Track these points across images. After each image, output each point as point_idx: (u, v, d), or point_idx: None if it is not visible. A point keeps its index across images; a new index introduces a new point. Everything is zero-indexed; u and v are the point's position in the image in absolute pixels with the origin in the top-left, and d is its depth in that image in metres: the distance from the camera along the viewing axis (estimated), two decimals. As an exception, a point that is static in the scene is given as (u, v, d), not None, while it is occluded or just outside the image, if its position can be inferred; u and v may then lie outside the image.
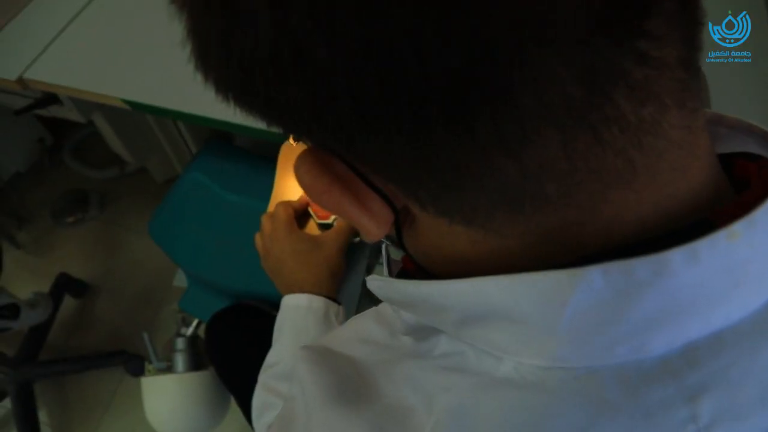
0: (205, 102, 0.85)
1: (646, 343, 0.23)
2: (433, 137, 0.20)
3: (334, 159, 0.24)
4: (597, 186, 0.21)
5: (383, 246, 0.38)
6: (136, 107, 0.89)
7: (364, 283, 1.08)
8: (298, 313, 0.62)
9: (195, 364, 1.02)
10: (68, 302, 1.52)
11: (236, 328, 0.92)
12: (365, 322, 0.50)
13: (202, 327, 1.10)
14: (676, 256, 0.21)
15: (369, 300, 1.12)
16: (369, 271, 1.11)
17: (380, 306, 0.52)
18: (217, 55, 0.22)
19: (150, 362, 1.03)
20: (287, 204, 0.70)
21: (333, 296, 0.65)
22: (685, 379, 0.23)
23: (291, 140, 0.38)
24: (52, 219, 1.69)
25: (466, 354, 0.29)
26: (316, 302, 0.62)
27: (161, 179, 1.66)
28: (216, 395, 1.04)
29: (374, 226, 0.25)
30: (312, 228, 0.73)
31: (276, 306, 1.03)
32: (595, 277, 0.22)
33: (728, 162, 0.27)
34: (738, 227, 0.21)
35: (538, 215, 0.23)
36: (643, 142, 0.21)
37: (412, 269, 0.39)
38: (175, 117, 0.88)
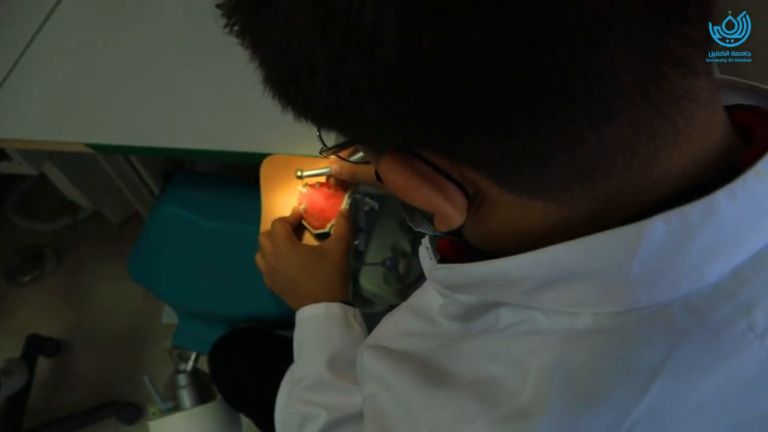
0: (167, 131, 0.84)
1: (703, 274, 0.27)
2: (539, 128, 0.22)
3: (415, 160, 0.26)
4: (650, 150, 0.25)
5: (428, 243, 0.40)
6: (101, 150, 0.87)
7: (353, 284, 1.10)
8: (317, 323, 0.64)
9: (202, 397, 1.01)
10: (43, 363, 1.45)
11: (239, 353, 0.92)
12: (401, 317, 0.52)
13: (201, 359, 1.09)
14: (719, 196, 0.25)
15: (360, 301, 1.14)
16: (354, 274, 1.12)
17: (412, 301, 0.54)
18: (323, 80, 0.24)
19: (154, 405, 1.01)
20: (283, 220, 0.71)
21: (347, 300, 0.66)
22: (738, 298, 0.27)
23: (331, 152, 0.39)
24: (6, 281, 1.61)
25: (535, 319, 0.32)
26: (334, 309, 0.64)
27: (117, 220, 1.61)
28: (228, 423, 1.03)
29: (457, 214, 0.27)
30: (309, 239, 0.74)
31: (274, 324, 1.04)
32: (658, 225, 0.25)
33: (727, 113, 0.31)
34: (762, 165, 0.26)
35: (605, 183, 0.26)
36: (684, 108, 0.24)
37: (452, 256, 0.41)
38: (145, 153, 0.86)
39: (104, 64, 0.95)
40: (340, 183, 0.74)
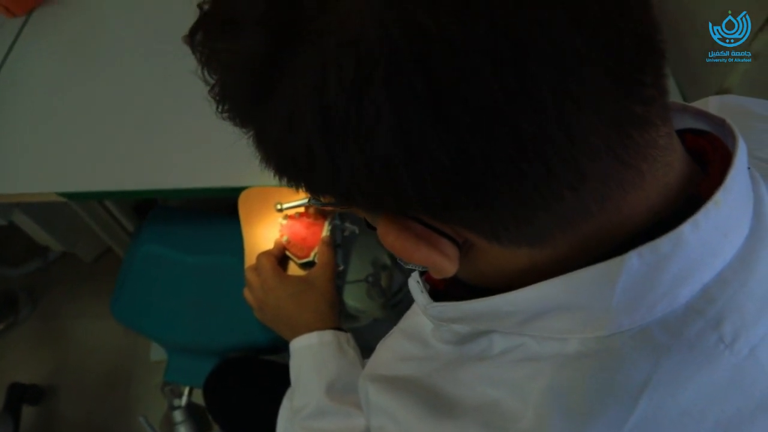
0: (141, 173, 0.85)
1: (676, 296, 0.30)
2: (523, 197, 0.25)
3: (409, 221, 0.29)
4: (620, 194, 0.28)
5: (418, 277, 0.43)
6: (74, 197, 0.87)
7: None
8: (312, 352, 0.65)
9: (199, 430, 1.01)
10: (28, 412, 1.43)
11: (234, 383, 0.93)
12: (396, 342, 0.54)
13: (195, 393, 1.09)
14: (685, 229, 0.29)
15: (345, 317, 1.16)
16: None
17: (403, 324, 0.56)
18: (323, 167, 0.26)
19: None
20: (268, 253, 0.72)
21: (338, 326, 0.68)
22: (708, 314, 0.31)
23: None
24: (-20, 331, 1.57)
25: (528, 345, 0.35)
26: (327, 336, 0.66)
27: (90, 258, 1.59)
28: (227, 454, 1.04)
29: (451, 265, 0.30)
30: (295, 269, 0.76)
31: (264, 351, 1.05)
32: (633, 260, 0.29)
33: (680, 136, 0.35)
34: (719, 196, 0.29)
35: (581, 226, 0.28)
36: (647, 155, 0.27)
37: (443, 288, 0.44)
38: (119, 197, 0.87)
39: (68, 108, 0.95)
40: (319, 211, 0.76)
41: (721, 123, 0.35)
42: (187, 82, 0.92)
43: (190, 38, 0.29)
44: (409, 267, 0.43)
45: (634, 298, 0.30)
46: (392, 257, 1.17)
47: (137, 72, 0.98)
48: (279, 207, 0.75)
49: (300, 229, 0.75)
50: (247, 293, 0.74)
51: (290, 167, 0.28)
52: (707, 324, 0.30)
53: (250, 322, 0.98)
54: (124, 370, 1.46)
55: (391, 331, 0.59)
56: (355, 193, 0.27)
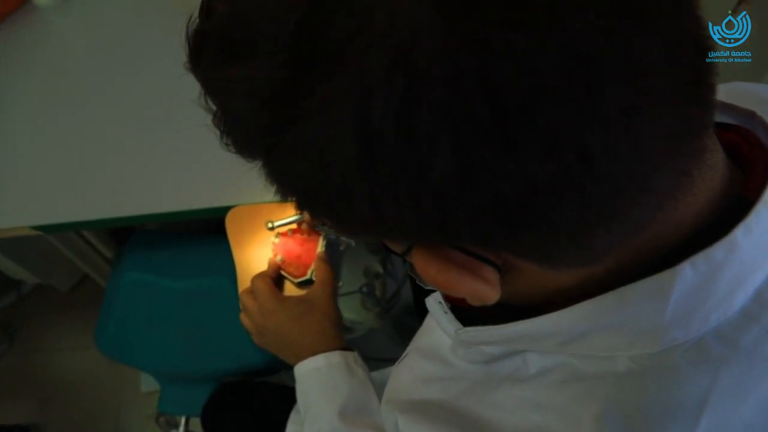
0: (118, 199, 0.81)
1: (731, 304, 0.29)
2: (588, 221, 0.23)
3: (450, 251, 0.26)
4: (673, 203, 0.26)
5: (441, 298, 0.40)
6: (49, 230, 0.83)
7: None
8: (319, 375, 0.63)
9: (199, 461, 0.97)
10: (13, 453, 1.37)
11: (233, 408, 0.89)
12: (414, 363, 0.52)
13: (192, 422, 1.05)
14: (738, 233, 0.27)
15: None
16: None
17: (419, 343, 0.54)
18: (362, 205, 0.23)
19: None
20: (263, 275, 0.69)
21: (344, 345, 0.66)
22: (762, 319, 0.29)
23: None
24: (-45, 373, 1.50)
25: (570, 365, 0.33)
26: (334, 357, 0.63)
27: (66, 288, 1.53)
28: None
29: (494, 293, 0.27)
30: (291, 289, 0.73)
31: (261, 372, 1.02)
32: (686, 270, 0.27)
33: None
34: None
35: (635, 240, 0.26)
36: (699, 161, 0.26)
37: (466, 305, 0.41)
38: (97, 226, 0.82)
39: (36, 137, 0.90)
40: (311, 226, 0.73)
41: (750, 115, 0.33)
42: (160, 105, 0.88)
43: (192, 62, 0.26)
44: (429, 287, 0.41)
45: (688, 310, 0.28)
46: (384, 264, 1.14)
47: (106, 97, 0.94)
48: (270, 225, 0.72)
49: (294, 246, 0.72)
50: (243, 318, 0.70)
51: (317, 203, 0.25)
52: (763, 330, 0.29)
53: (244, 344, 0.94)
54: (113, 402, 1.40)
55: (406, 353, 0.57)
56: (393, 227, 0.24)
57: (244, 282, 0.73)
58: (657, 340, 0.29)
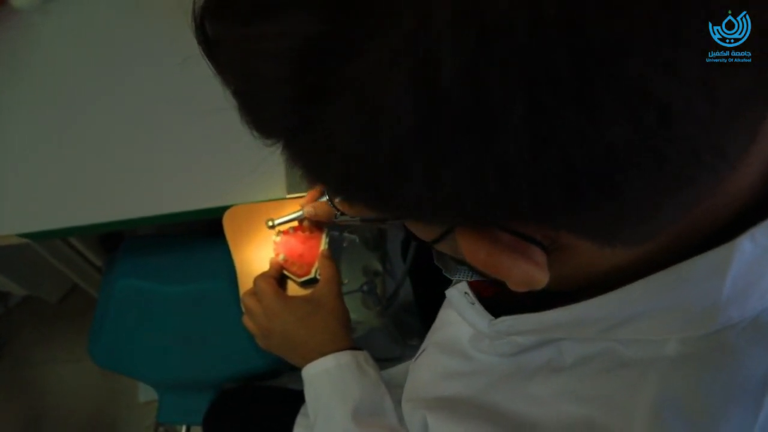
0: (107, 204, 0.78)
1: None
2: (662, 185, 0.20)
3: (497, 231, 0.24)
4: (730, 173, 0.24)
5: (466, 288, 0.38)
6: (37, 237, 0.79)
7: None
8: (330, 377, 0.60)
9: (203, 470, 0.94)
10: (6, 471, 1.32)
11: (235, 415, 0.86)
12: (433, 359, 0.50)
13: (192, 430, 1.02)
14: None
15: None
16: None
17: (436, 338, 0.52)
18: (417, 181, 0.21)
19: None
20: (266, 276, 0.66)
21: (353, 345, 0.63)
22: None
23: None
24: (-58, 391, 1.45)
25: (613, 351, 0.31)
26: (344, 358, 0.61)
27: (55, 299, 1.49)
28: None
29: (544, 276, 0.25)
30: (294, 289, 0.70)
31: (263, 376, 0.99)
32: (745, 244, 0.25)
33: None
34: None
35: (691, 214, 0.24)
36: (760, 126, 0.23)
37: (491, 295, 0.39)
38: (86, 231, 0.79)
39: (22, 142, 0.86)
40: (313, 223, 0.70)
41: None
42: (147, 105, 0.86)
43: (201, 25, 0.24)
44: (457, 277, 0.39)
45: (746, 287, 0.26)
46: (383, 262, 1.12)
47: (91, 99, 0.90)
48: (271, 223, 0.69)
49: (296, 245, 0.70)
50: (247, 321, 0.67)
51: (359, 183, 0.23)
52: None
53: (245, 348, 0.92)
54: (109, 415, 1.36)
55: (423, 349, 0.55)
56: (444, 205, 0.22)
57: (245, 284, 0.71)
58: (713, 320, 0.27)
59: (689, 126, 0.19)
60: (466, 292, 0.38)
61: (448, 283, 0.98)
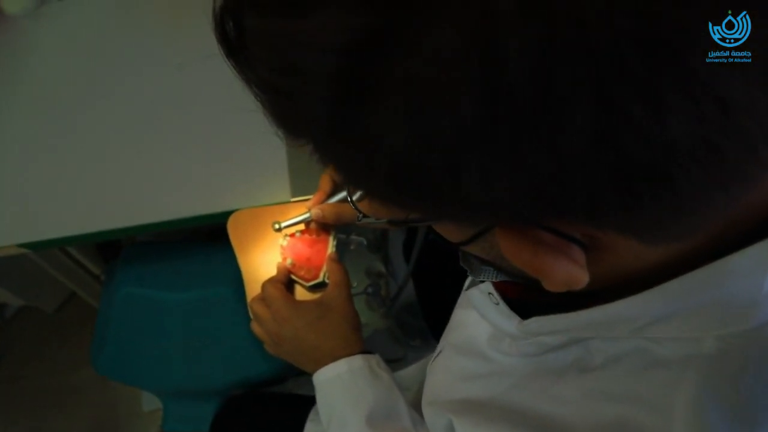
0: (108, 212, 0.76)
1: None
2: (716, 179, 0.20)
3: (539, 231, 0.24)
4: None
5: (490, 288, 0.38)
6: (38, 247, 0.78)
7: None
8: (342, 382, 0.59)
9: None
10: (6, 485, 1.30)
11: (243, 422, 0.86)
12: (450, 361, 0.49)
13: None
14: None
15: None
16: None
17: (452, 340, 0.51)
18: (471, 182, 0.20)
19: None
20: (274, 281, 0.66)
21: (364, 348, 0.63)
22: None
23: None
24: (-62, 405, 1.43)
25: (645, 349, 0.31)
26: (356, 362, 0.60)
27: (52, 308, 1.47)
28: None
29: (585, 274, 0.25)
30: (302, 293, 0.69)
31: (269, 382, 0.98)
32: None
33: None
34: None
35: (728, 212, 0.24)
36: None
37: (516, 296, 0.39)
38: (87, 240, 0.78)
39: (16, 151, 0.85)
40: (320, 226, 0.69)
41: None
42: (145, 111, 0.84)
43: (222, 21, 0.23)
44: (481, 278, 0.38)
45: None
46: (386, 264, 1.11)
47: (88, 105, 0.89)
48: (278, 226, 0.68)
49: (303, 248, 0.69)
50: (256, 327, 0.66)
51: (401, 182, 0.22)
52: None
53: (250, 354, 0.91)
54: (112, 424, 1.35)
55: (439, 349, 0.54)
56: (493, 204, 0.21)
57: (252, 289, 0.70)
58: (752, 317, 0.27)
59: (748, 120, 0.18)
60: (490, 293, 0.38)
61: (452, 283, 0.98)
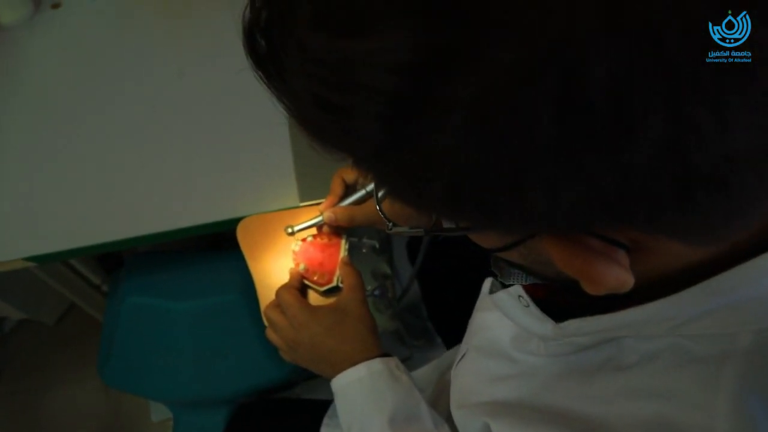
0: (114, 222, 0.76)
1: None
2: (757, 197, 0.20)
3: (586, 237, 0.24)
4: None
5: (521, 291, 0.38)
6: (44, 259, 0.77)
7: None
8: (362, 386, 0.59)
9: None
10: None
11: (255, 430, 0.85)
12: (476, 364, 0.49)
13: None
14: None
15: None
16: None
17: (476, 342, 0.51)
18: (535, 198, 0.20)
19: None
20: (288, 287, 0.65)
21: (383, 352, 0.62)
22: None
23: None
24: (-62, 422, 1.40)
25: (681, 345, 0.31)
26: (376, 366, 0.60)
27: (52, 320, 1.45)
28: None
29: (630, 277, 0.25)
30: (316, 299, 0.69)
31: (279, 388, 0.97)
32: None
33: None
34: None
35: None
36: None
37: (543, 295, 0.39)
38: (94, 251, 0.77)
39: (16, 163, 0.84)
40: (332, 229, 0.69)
41: None
42: (143, 117, 0.83)
43: (251, 34, 0.23)
44: (511, 282, 0.38)
45: None
46: (391, 265, 1.11)
47: (88, 115, 0.88)
48: (290, 230, 0.68)
49: (315, 253, 0.69)
50: (271, 334, 0.66)
51: (457, 197, 0.22)
52: None
53: (258, 361, 0.91)
54: (116, 436, 1.34)
55: (463, 352, 0.54)
56: (550, 217, 0.21)
57: (265, 296, 0.69)
58: None
59: None
60: (520, 296, 0.38)
61: (457, 284, 0.97)
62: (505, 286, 0.45)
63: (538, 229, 0.25)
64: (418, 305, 1.41)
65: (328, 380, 0.63)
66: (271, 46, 0.24)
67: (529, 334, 0.42)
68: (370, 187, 0.64)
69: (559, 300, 0.37)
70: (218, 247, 1.13)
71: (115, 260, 1.27)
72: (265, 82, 0.25)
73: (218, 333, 0.91)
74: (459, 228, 0.28)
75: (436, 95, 0.19)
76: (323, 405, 0.81)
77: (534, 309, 0.37)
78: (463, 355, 0.53)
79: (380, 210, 0.43)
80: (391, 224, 0.41)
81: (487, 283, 0.57)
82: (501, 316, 0.49)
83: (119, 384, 0.92)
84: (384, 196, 0.44)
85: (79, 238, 0.76)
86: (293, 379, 0.94)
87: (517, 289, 0.38)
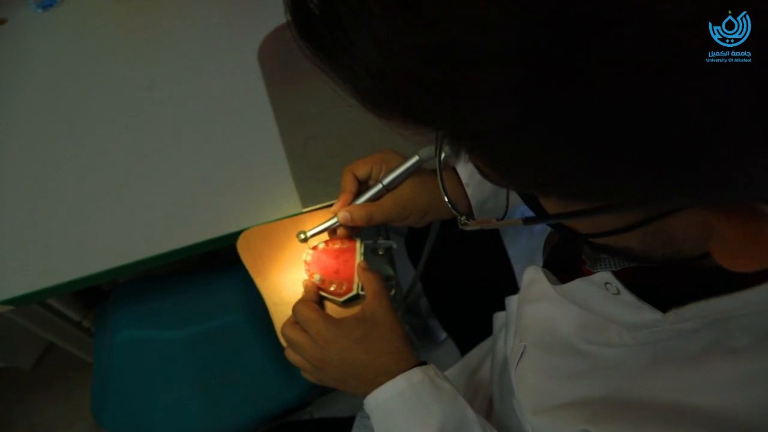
0: (98, 253, 0.69)
1: None
2: None
3: (759, 204, 0.21)
4: None
5: (610, 278, 0.33)
6: (21, 301, 0.69)
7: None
8: (403, 400, 0.54)
9: None
10: None
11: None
12: (540, 361, 0.45)
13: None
14: None
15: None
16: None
17: (533, 339, 0.47)
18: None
19: None
20: (306, 302, 0.59)
21: (418, 359, 0.57)
22: None
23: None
24: None
25: None
26: (415, 376, 0.54)
27: (29, 364, 1.35)
28: None
29: None
30: (335, 310, 0.63)
31: (290, 411, 0.91)
32: None
33: None
34: None
35: None
36: None
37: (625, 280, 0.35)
38: (80, 286, 0.69)
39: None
40: (348, 231, 0.63)
41: None
42: (113, 141, 0.76)
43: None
44: (598, 269, 0.34)
45: None
46: (393, 266, 1.06)
47: (49, 144, 0.81)
48: (303, 236, 0.62)
49: (329, 261, 0.63)
50: (292, 355, 0.60)
51: (614, 179, 0.20)
52: None
53: (269, 384, 0.85)
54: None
55: (520, 351, 0.49)
56: (731, 185, 0.19)
57: (278, 313, 0.63)
58: None
59: None
60: (608, 282, 0.33)
61: (461, 284, 0.93)
62: (558, 275, 0.40)
63: (706, 199, 0.21)
64: (417, 304, 1.37)
65: (343, 395, 0.57)
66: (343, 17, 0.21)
67: (607, 323, 0.38)
68: (387, 180, 0.58)
69: (656, 283, 0.33)
70: (209, 266, 1.05)
71: (95, 294, 1.19)
72: (319, 56, 0.23)
73: (222, 359, 0.85)
74: (581, 212, 0.24)
75: (577, 58, 0.17)
76: (345, 423, 0.75)
77: (627, 296, 0.33)
78: (522, 353, 0.48)
79: (450, 202, 0.38)
80: (463, 218, 0.36)
81: (531, 272, 0.53)
82: (563, 306, 0.44)
83: (120, 428, 0.84)
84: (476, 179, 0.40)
85: (59, 273, 0.68)
86: (307, 398, 0.88)
87: (603, 277, 0.33)
